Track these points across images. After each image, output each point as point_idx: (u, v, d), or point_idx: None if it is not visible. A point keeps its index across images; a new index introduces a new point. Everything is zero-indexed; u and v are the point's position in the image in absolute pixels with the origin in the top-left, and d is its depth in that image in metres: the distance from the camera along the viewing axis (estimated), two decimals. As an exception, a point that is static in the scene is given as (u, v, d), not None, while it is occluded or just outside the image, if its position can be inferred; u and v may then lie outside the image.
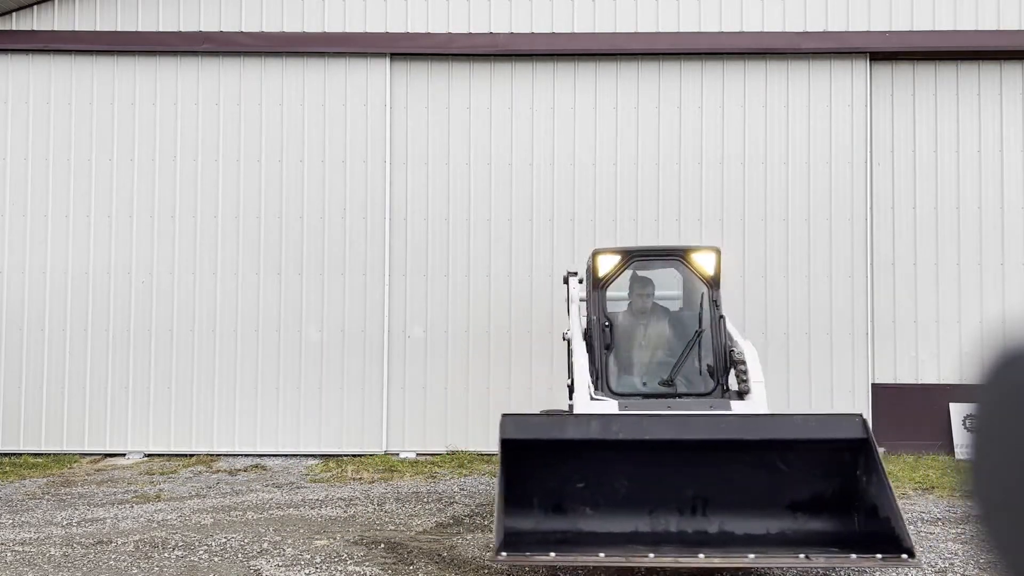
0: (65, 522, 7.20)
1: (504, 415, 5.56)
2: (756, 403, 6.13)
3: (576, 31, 10.82)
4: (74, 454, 10.57)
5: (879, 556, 4.86)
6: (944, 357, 10.78)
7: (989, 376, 0.91)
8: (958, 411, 10.50)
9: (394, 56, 10.91)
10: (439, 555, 6.13)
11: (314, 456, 10.57)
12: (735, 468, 5.52)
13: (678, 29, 10.82)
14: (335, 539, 6.55)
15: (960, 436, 10.41)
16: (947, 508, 7.74)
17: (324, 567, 5.86)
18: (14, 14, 10.81)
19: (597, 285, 7.01)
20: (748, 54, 10.87)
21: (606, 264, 7.00)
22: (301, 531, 6.82)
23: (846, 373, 10.70)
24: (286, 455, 10.61)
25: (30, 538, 6.65)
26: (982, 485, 0.93)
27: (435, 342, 10.82)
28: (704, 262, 6.95)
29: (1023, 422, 0.87)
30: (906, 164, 10.98)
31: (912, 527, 7.03)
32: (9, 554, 6.20)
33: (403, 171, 10.94)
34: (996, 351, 0.91)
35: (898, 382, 10.80)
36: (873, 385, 10.72)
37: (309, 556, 6.12)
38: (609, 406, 6.22)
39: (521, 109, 10.95)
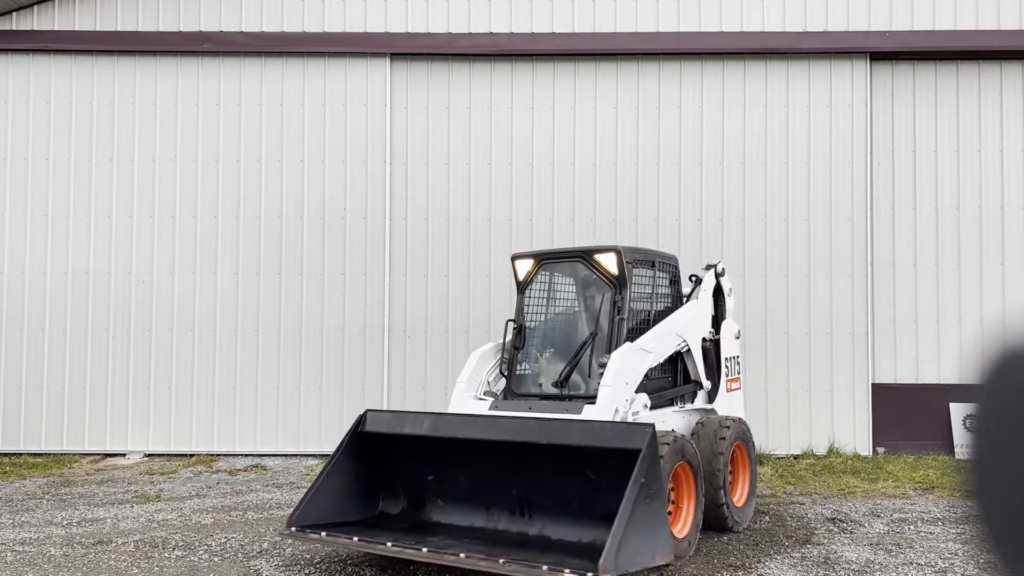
0: (65, 522, 7.20)
1: (367, 410, 6.33)
2: (598, 408, 5.95)
3: (576, 31, 10.82)
4: (74, 454, 10.58)
5: (567, 571, 4.58)
6: (944, 357, 10.78)
7: (989, 376, 0.91)
8: (958, 411, 10.50)
9: (394, 56, 10.91)
10: (439, 555, 6.13)
11: (314, 456, 10.57)
12: (548, 473, 5.57)
13: (678, 29, 10.82)
14: (335, 539, 6.54)
15: (960, 436, 10.41)
16: (947, 508, 7.74)
17: (324, 567, 5.86)
18: (14, 14, 10.82)
19: (519, 289, 7.28)
20: (748, 54, 10.87)
21: (522, 268, 7.26)
22: (301, 531, 6.82)
23: (846, 373, 10.70)
24: (286, 455, 10.62)
25: (30, 538, 6.65)
26: (982, 485, 0.93)
27: (435, 342, 10.83)
28: (607, 263, 6.88)
29: (1023, 422, 0.87)
30: (906, 164, 10.97)
31: (912, 527, 7.04)
32: (9, 554, 6.20)
33: (403, 171, 10.94)
34: (996, 351, 0.90)
35: (898, 382, 10.80)
36: (873, 385, 10.72)
37: (309, 556, 6.11)
38: (479, 406, 6.59)
39: (521, 109, 10.95)
